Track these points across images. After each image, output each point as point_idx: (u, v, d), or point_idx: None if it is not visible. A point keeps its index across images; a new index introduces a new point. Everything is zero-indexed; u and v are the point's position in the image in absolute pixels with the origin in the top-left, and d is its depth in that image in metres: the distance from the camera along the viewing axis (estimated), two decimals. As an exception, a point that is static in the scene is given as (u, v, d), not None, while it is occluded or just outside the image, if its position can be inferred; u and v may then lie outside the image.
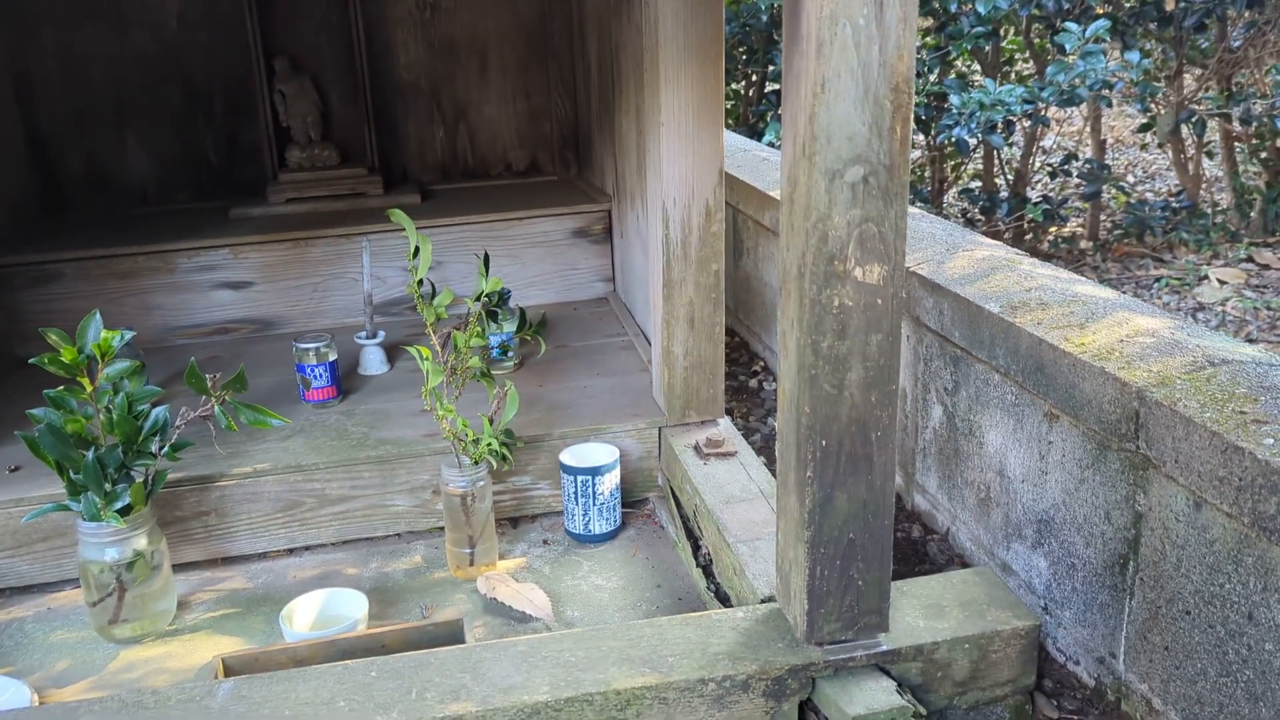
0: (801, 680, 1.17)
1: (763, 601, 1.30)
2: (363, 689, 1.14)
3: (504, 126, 2.73)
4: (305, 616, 1.44)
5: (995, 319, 1.43)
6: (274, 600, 1.58)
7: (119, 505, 1.42)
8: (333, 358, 1.89)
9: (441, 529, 1.73)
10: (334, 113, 2.58)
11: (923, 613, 1.24)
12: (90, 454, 1.40)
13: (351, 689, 1.14)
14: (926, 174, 4.26)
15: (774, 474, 1.62)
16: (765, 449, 2.03)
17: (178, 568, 1.63)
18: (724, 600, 1.47)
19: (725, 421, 1.80)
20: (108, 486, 1.41)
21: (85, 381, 1.42)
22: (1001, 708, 1.26)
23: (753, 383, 2.42)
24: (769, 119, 4.12)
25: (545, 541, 1.72)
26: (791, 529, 1.18)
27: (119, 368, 1.44)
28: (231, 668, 1.31)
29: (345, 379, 1.98)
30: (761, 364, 2.51)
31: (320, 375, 1.87)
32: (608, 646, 1.20)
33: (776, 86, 4.37)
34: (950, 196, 4.50)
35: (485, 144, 2.74)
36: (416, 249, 1.62)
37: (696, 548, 1.59)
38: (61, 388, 1.43)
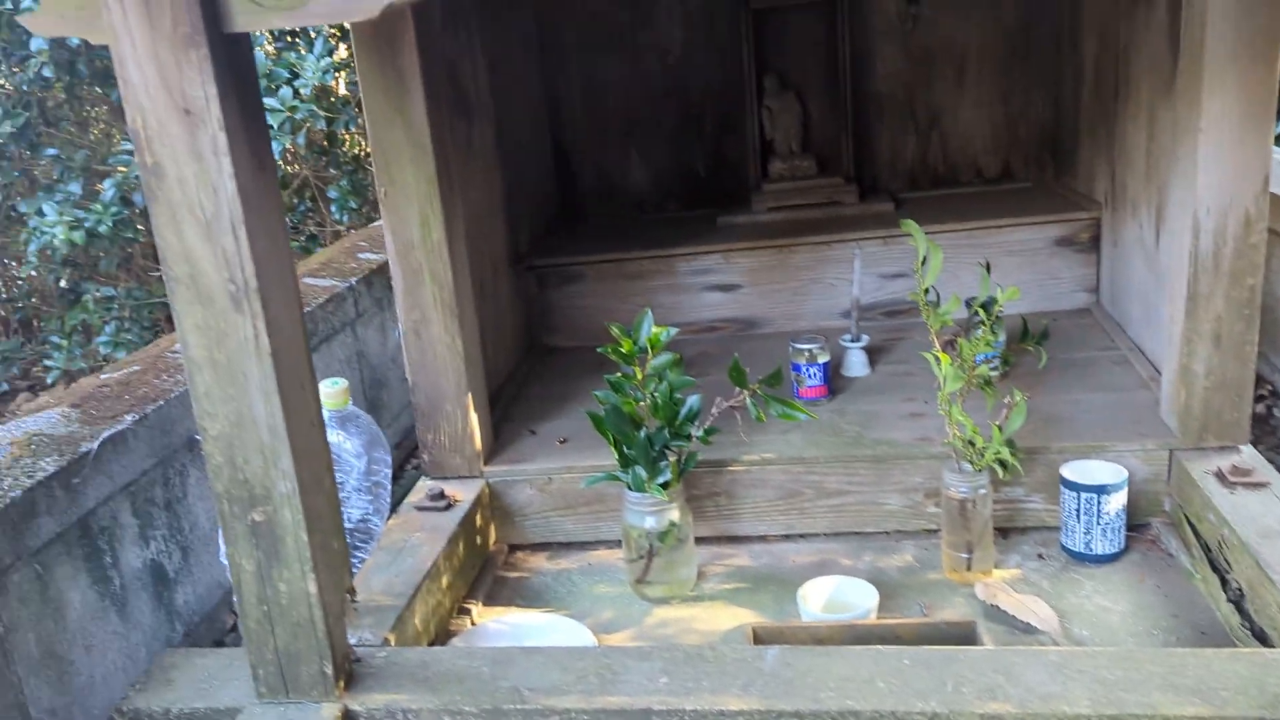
0: (1385, 739, 1.07)
1: (1325, 647, 1.20)
2: (898, 674, 1.21)
3: (977, 132, 2.71)
4: (818, 599, 1.55)
5: None
6: (777, 580, 1.71)
7: (661, 480, 1.61)
8: (825, 359, 2.00)
9: (932, 531, 1.78)
10: (813, 124, 2.71)
11: None
12: (642, 433, 1.60)
13: (888, 672, 1.22)
14: None
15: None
16: (1283, 482, 1.84)
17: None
18: (1261, 639, 1.37)
19: (1249, 449, 1.66)
20: (653, 464, 1.61)
21: (637, 370, 1.64)
22: None
23: (1259, 408, 2.20)
24: None
25: (1040, 556, 1.70)
26: (1381, 573, 1.08)
27: (663, 360, 1.64)
28: (760, 636, 1.45)
29: (832, 379, 2.08)
30: (1269, 388, 2.28)
31: (813, 375, 1.99)
32: (1148, 670, 1.17)
33: None
34: None
35: (956, 150, 2.74)
36: (925, 258, 1.67)
37: (1223, 582, 1.50)
38: (619, 375, 1.65)
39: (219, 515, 1.20)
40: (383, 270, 2.53)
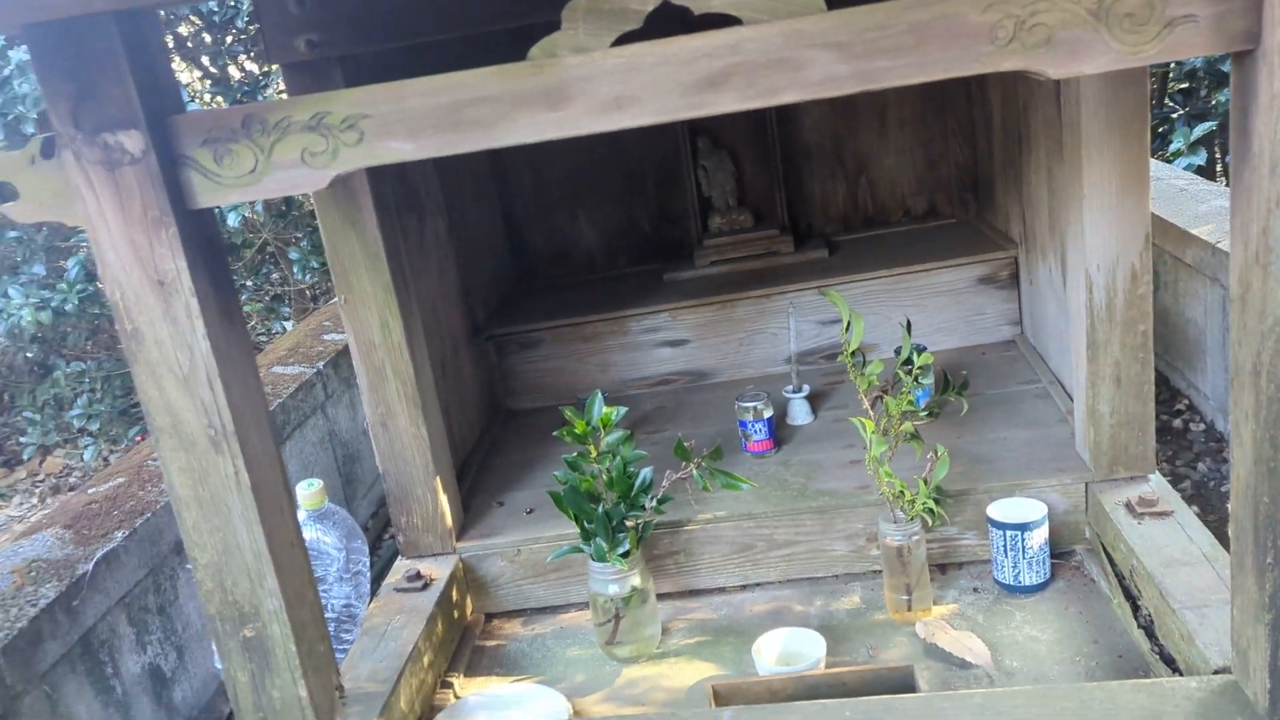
0: (1263, 756, 1.21)
1: (1215, 672, 1.35)
2: (840, 726, 1.35)
3: (902, 175, 2.87)
4: (771, 652, 1.68)
5: None
6: (736, 631, 1.84)
7: (621, 550, 1.74)
8: (769, 414, 2.13)
9: (876, 572, 1.91)
10: (747, 178, 2.85)
11: (1398, 697, 1.23)
12: (600, 508, 1.73)
13: (831, 725, 1.35)
14: None
15: (1213, 533, 1.64)
16: (1196, 497, 2.01)
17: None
18: (1169, 663, 1.52)
19: (1156, 478, 1.82)
20: (612, 535, 1.74)
21: (592, 448, 1.76)
22: None
23: (1176, 423, 2.36)
24: (1175, 122, 3.89)
25: (975, 589, 1.85)
26: (1250, 609, 1.22)
27: (615, 437, 1.77)
28: (720, 694, 1.58)
29: (777, 430, 2.22)
30: (1186, 402, 2.44)
31: (759, 430, 2.13)
32: (1059, 706, 1.31)
33: (1183, 86, 4.10)
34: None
35: (885, 193, 2.89)
36: (849, 324, 1.81)
37: (1135, 608, 1.64)
38: (575, 454, 1.78)
39: (213, 635, 1.31)
40: (349, 351, 2.64)
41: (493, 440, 2.46)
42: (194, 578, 1.28)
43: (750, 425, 2.13)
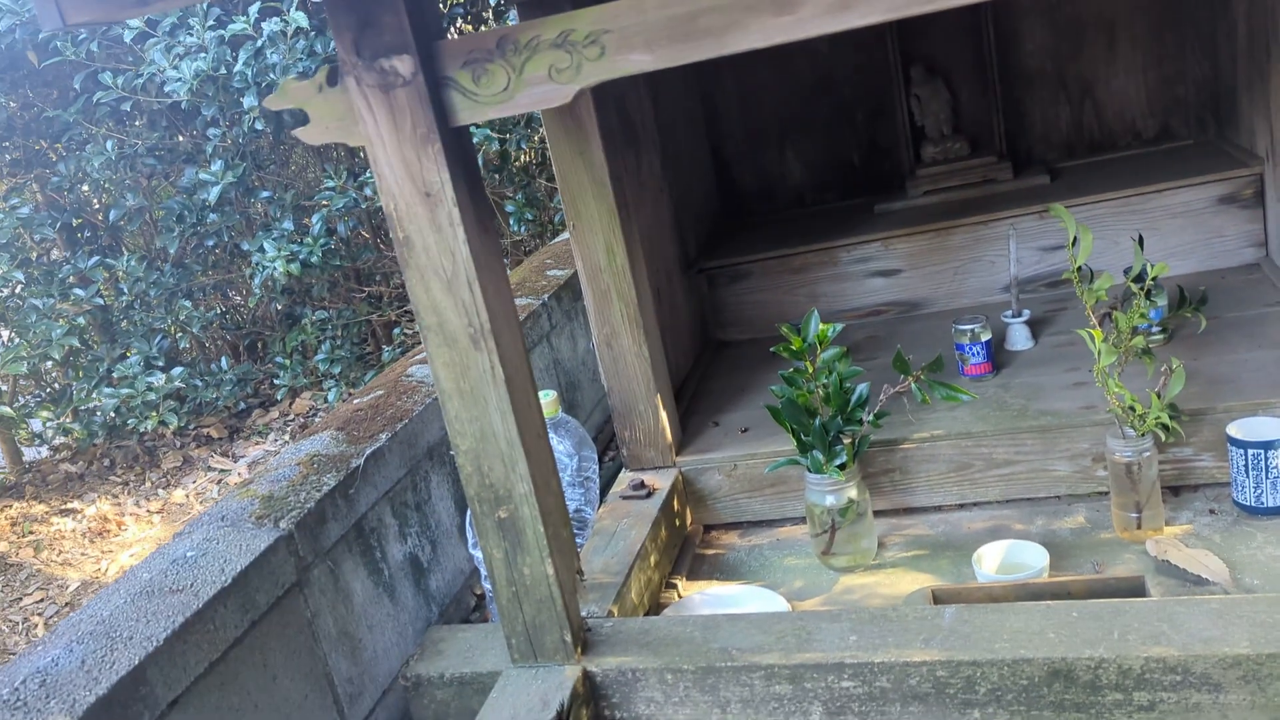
0: None
1: None
2: (1067, 626, 1.35)
3: (1132, 97, 2.73)
4: (992, 561, 1.69)
5: None
6: (954, 546, 1.86)
7: (838, 462, 1.79)
8: (987, 337, 2.11)
9: (1102, 494, 1.88)
10: (962, 106, 2.79)
11: None
12: (817, 421, 1.78)
13: (1058, 625, 1.36)
14: None
15: None
16: None
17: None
18: None
19: None
20: (829, 447, 1.79)
21: (808, 364, 1.81)
22: None
23: None
24: None
25: (1211, 511, 1.78)
26: None
27: (832, 353, 1.81)
28: (939, 597, 1.61)
29: (995, 354, 2.19)
30: None
31: (977, 353, 2.11)
32: (1307, 613, 1.27)
33: None
34: None
35: (1113, 117, 2.76)
36: (1075, 239, 1.77)
37: (1395, 527, 1.55)
38: (792, 369, 1.83)
39: (472, 515, 1.46)
40: (570, 285, 2.79)
41: (705, 368, 2.54)
42: (456, 463, 1.43)
43: (968, 348, 2.12)
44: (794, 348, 1.80)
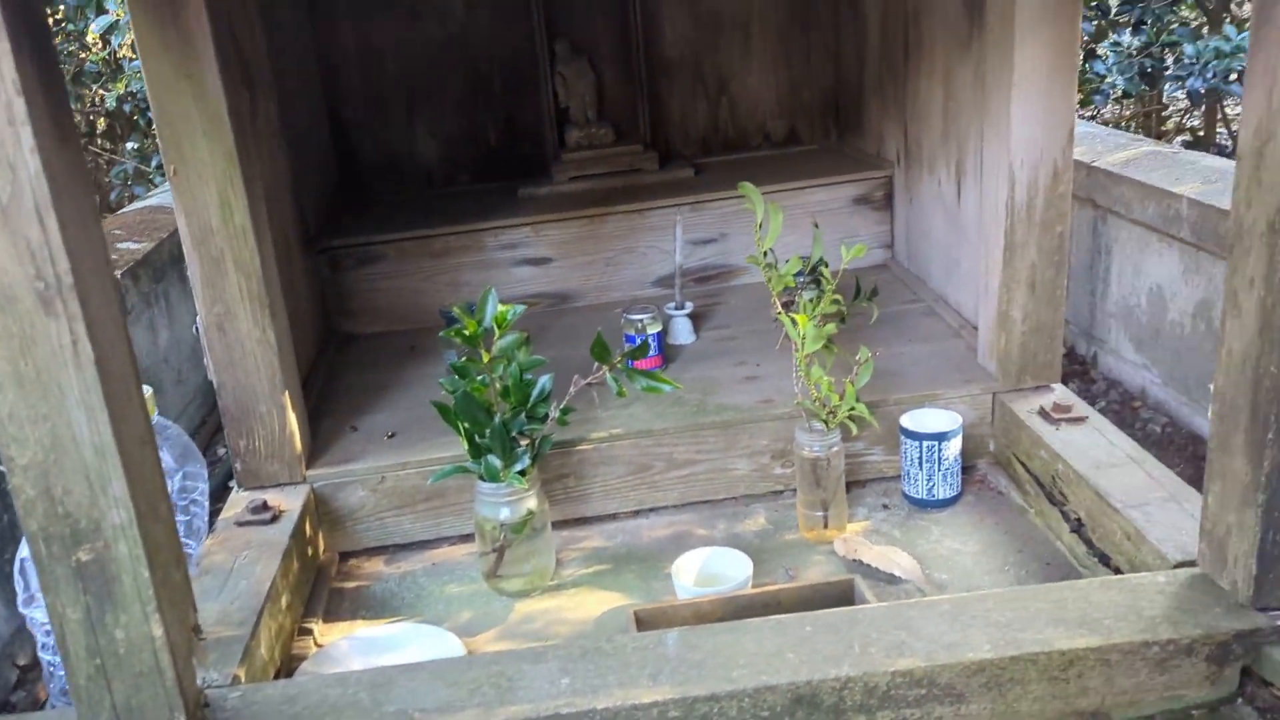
0: (1246, 646, 1.16)
1: (1176, 566, 1.29)
2: (805, 642, 1.20)
3: (764, 97, 2.76)
4: (690, 573, 1.51)
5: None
6: (637, 559, 1.66)
7: (518, 467, 1.52)
8: (657, 329, 1.96)
9: (779, 492, 1.79)
10: (607, 90, 2.65)
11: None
12: (497, 419, 1.50)
13: (794, 642, 1.20)
14: (1134, 129, 4.07)
15: (1134, 439, 1.61)
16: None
17: (543, 527, 1.73)
18: (1104, 562, 1.47)
19: (1060, 387, 1.78)
20: (509, 450, 1.51)
21: (484, 353, 1.53)
22: None
23: (1040, 348, 2.37)
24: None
25: (885, 506, 1.75)
26: (1234, 493, 1.16)
27: (510, 339, 1.54)
28: (643, 619, 1.39)
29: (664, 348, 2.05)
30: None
31: (649, 345, 1.95)
32: (1035, 608, 1.22)
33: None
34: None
35: (745, 115, 2.77)
36: (762, 223, 1.66)
37: (1062, 514, 1.59)
38: (464, 359, 1.53)
39: (34, 557, 0.99)
40: (148, 261, 2.24)
41: (331, 365, 2.15)
42: (9, 484, 0.96)
43: (638, 340, 1.95)
44: (468, 333, 1.51)
